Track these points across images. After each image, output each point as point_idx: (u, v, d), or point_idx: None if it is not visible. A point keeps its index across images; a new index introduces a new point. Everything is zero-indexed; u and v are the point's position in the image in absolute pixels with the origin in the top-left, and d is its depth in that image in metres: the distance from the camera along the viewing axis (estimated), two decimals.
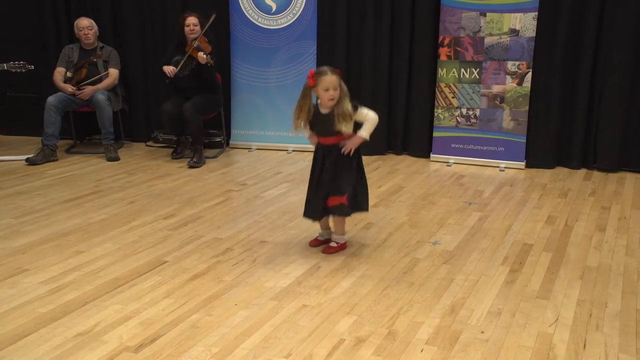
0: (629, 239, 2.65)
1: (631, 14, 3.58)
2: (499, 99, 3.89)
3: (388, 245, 2.56)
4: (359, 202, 2.40)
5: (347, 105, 2.28)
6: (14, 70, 4.06)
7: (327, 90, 2.25)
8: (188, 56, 3.95)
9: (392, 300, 2.06)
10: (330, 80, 2.24)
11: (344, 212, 2.39)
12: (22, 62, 4.06)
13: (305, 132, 2.42)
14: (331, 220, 2.52)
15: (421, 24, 4.01)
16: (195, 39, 3.96)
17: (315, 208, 2.41)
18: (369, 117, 2.33)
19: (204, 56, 3.85)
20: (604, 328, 1.88)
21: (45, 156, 4.02)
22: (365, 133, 2.33)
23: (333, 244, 2.48)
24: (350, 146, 2.33)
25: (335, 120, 2.28)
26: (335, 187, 2.35)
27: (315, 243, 2.54)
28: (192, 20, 3.99)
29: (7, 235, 2.69)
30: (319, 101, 2.34)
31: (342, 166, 2.35)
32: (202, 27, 3.98)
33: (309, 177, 2.46)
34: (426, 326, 1.89)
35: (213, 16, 3.95)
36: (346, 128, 2.29)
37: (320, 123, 2.34)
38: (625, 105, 3.70)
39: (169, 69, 3.95)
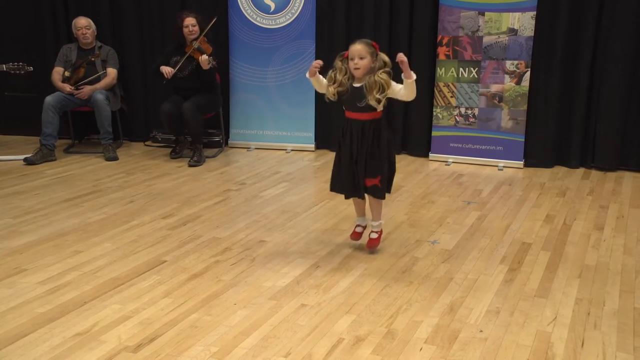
0: (627, 237, 2.65)
1: (630, 14, 3.58)
2: (497, 99, 3.89)
3: (387, 245, 2.56)
4: (386, 188, 2.36)
5: (380, 76, 2.20)
6: (12, 72, 4.05)
7: (352, 59, 2.22)
8: (187, 56, 3.94)
9: (391, 300, 2.07)
10: (354, 48, 2.21)
11: (377, 194, 2.34)
12: (20, 63, 4.05)
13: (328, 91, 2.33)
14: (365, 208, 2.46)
15: (420, 23, 4.01)
16: (195, 39, 3.95)
17: (347, 186, 2.34)
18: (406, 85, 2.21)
19: (206, 58, 3.84)
20: (602, 326, 1.89)
21: (44, 156, 4.01)
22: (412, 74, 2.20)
23: (374, 235, 2.42)
24: (404, 60, 2.13)
25: (366, 92, 2.22)
26: (369, 168, 2.30)
27: (356, 236, 2.47)
28: (190, 20, 3.98)
29: (5, 235, 2.69)
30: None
31: (375, 147, 2.29)
32: (201, 27, 3.98)
33: (336, 151, 2.38)
34: (425, 325, 1.89)
35: (214, 19, 3.94)
36: (375, 99, 2.20)
37: (350, 96, 2.28)
38: (623, 105, 3.70)
39: (166, 70, 3.94)
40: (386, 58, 2.26)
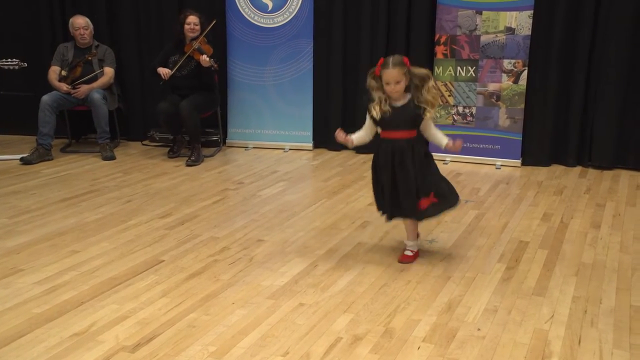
0: (623, 235, 2.66)
1: (626, 12, 3.59)
2: (495, 97, 3.90)
3: (385, 244, 2.57)
4: (447, 199, 2.29)
5: (433, 92, 2.19)
6: (6, 68, 4.03)
7: (388, 83, 2.18)
8: (187, 56, 3.94)
9: (389, 298, 2.07)
10: (389, 74, 2.16)
11: (437, 210, 2.29)
12: (15, 60, 4.04)
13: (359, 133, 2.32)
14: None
15: (417, 22, 4.01)
16: (195, 39, 3.95)
17: (395, 206, 2.28)
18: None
19: (207, 59, 3.84)
20: (599, 324, 1.89)
21: (40, 155, 4.00)
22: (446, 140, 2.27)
23: (409, 252, 2.37)
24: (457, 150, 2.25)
25: (418, 109, 2.19)
26: (420, 187, 2.24)
27: (405, 259, 2.36)
28: (193, 19, 3.97)
29: (2, 235, 2.68)
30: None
31: (422, 164, 2.26)
32: (202, 28, 3.97)
33: (373, 175, 2.33)
34: (423, 324, 1.89)
35: (213, 22, 3.95)
36: (433, 112, 2.21)
37: (394, 116, 2.22)
38: (620, 103, 3.71)
39: (164, 71, 3.93)
40: (422, 71, 2.20)
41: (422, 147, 2.29)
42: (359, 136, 2.35)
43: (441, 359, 1.70)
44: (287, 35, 4.25)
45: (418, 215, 2.32)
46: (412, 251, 2.39)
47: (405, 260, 2.37)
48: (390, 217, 2.36)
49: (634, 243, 2.58)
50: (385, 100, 2.23)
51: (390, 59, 2.19)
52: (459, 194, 2.35)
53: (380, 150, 2.29)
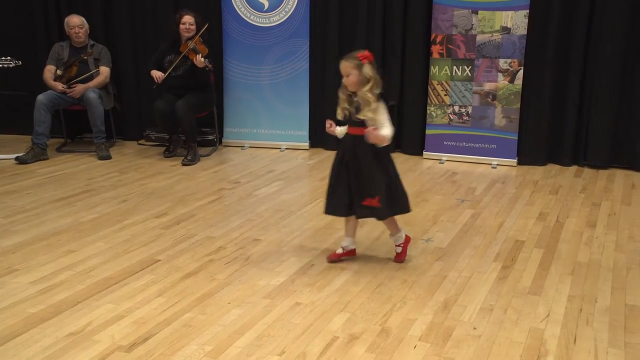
0: (619, 234, 2.68)
1: (621, 12, 3.61)
2: (491, 97, 3.91)
3: (381, 243, 2.57)
4: (397, 203, 2.24)
5: (366, 93, 2.12)
6: (1, 66, 4.00)
7: (342, 76, 2.17)
8: (182, 56, 3.93)
9: (385, 298, 2.07)
10: (340, 66, 2.15)
11: (377, 214, 2.23)
12: (9, 58, 4.01)
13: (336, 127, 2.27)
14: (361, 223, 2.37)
15: (413, 21, 4.02)
16: (190, 39, 3.94)
17: (340, 204, 2.22)
18: (383, 128, 2.14)
19: (202, 60, 3.83)
20: (594, 323, 1.90)
21: (36, 155, 3.98)
22: (387, 131, 2.14)
23: (398, 249, 2.34)
24: (371, 138, 2.12)
25: (358, 106, 2.14)
26: (365, 187, 2.19)
27: (335, 257, 2.34)
28: (188, 19, 3.97)
29: None
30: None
31: (370, 165, 2.19)
32: (198, 27, 3.97)
33: (330, 169, 2.29)
34: (419, 323, 1.90)
35: (206, 25, 3.94)
36: (368, 116, 2.12)
37: (349, 109, 2.20)
38: (615, 103, 3.73)
39: (157, 75, 3.92)
40: (369, 72, 2.12)
41: (372, 147, 2.18)
42: (344, 129, 2.33)
43: (437, 358, 1.71)
44: (283, 35, 4.25)
45: (357, 212, 2.25)
46: (400, 245, 2.36)
47: (400, 259, 2.37)
48: (326, 210, 2.31)
49: (628, 242, 2.59)
50: (350, 101, 2.20)
51: (351, 53, 2.17)
52: (409, 205, 2.28)
53: (340, 144, 2.29)
